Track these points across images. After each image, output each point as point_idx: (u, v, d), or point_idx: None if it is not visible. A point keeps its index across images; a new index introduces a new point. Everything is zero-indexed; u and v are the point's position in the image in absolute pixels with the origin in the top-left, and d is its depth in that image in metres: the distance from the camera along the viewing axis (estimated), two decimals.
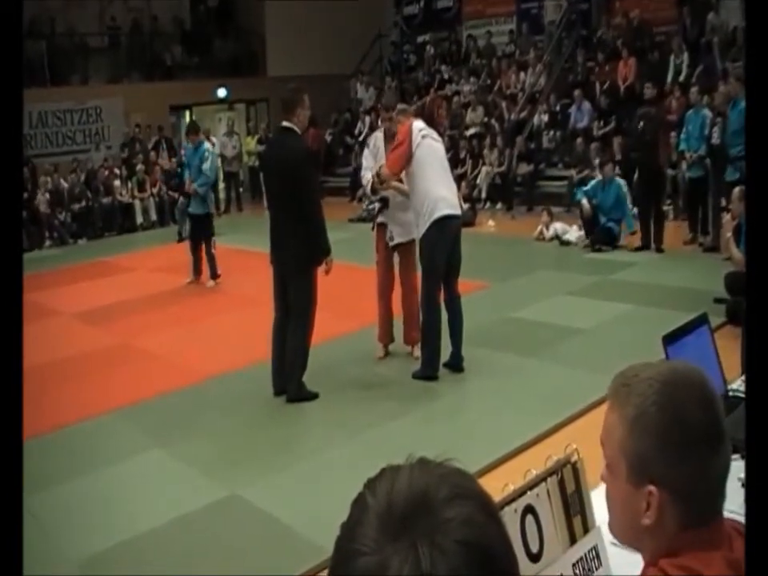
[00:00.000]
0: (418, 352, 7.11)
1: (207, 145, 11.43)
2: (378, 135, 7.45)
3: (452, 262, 6.76)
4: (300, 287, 6.40)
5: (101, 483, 5.39)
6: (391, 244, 7.20)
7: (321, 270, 6.50)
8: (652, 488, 1.36)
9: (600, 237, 11.56)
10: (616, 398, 1.44)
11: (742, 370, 3.30)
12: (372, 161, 7.21)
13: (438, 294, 6.75)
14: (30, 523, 4.71)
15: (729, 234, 7.51)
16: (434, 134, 6.98)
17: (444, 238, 6.58)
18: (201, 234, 11.13)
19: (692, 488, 1.35)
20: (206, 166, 10.89)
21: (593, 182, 12.16)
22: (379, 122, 8.63)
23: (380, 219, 7.29)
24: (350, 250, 9.72)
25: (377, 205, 7.27)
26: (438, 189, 6.60)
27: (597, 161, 13.53)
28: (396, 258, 7.34)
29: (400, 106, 7.36)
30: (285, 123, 6.48)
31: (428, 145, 6.68)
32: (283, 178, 6.34)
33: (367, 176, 7.19)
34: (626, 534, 1.46)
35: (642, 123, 11.49)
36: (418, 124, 6.82)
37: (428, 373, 6.80)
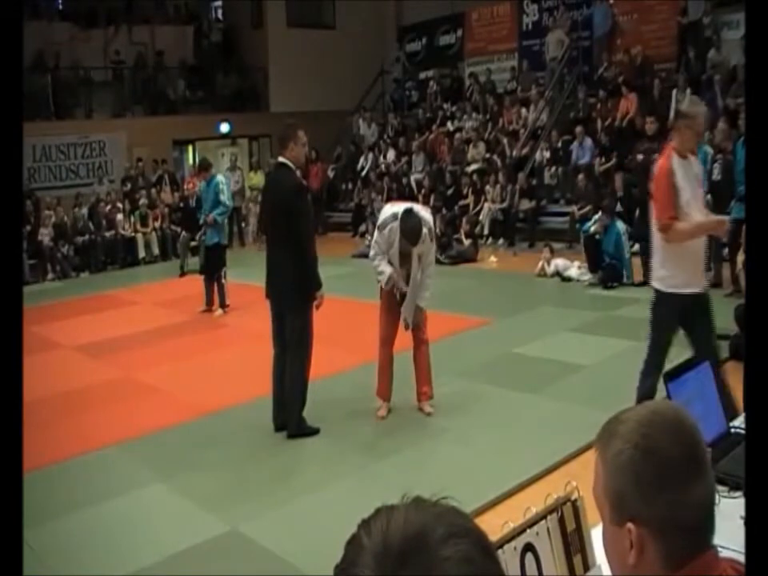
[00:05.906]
0: (429, 408, 6.76)
1: (219, 177, 11.74)
2: (394, 227, 6.46)
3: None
4: (296, 321, 6.38)
5: (101, 517, 5.35)
6: (407, 330, 6.70)
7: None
8: (630, 525, 1.38)
9: (609, 274, 11.51)
10: (600, 443, 1.48)
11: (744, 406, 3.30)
12: (385, 248, 6.54)
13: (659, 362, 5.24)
14: (29, 556, 4.68)
15: (740, 267, 7.60)
16: (693, 159, 5.26)
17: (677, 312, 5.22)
18: (215, 263, 11.42)
19: (670, 523, 1.37)
20: (222, 197, 11.24)
21: (596, 217, 12.14)
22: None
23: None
24: (352, 285, 9.72)
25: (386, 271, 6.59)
26: (697, 259, 5.23)
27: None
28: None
29: (692, 106, 5.28)
30: (280, 159, 6.55)
31: (683, 188, 5.04)
32: (277, 213, 6.37)
33: (383, 268, 6.56)
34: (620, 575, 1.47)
35: (642, 157, 11.51)
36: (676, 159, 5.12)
37: None
